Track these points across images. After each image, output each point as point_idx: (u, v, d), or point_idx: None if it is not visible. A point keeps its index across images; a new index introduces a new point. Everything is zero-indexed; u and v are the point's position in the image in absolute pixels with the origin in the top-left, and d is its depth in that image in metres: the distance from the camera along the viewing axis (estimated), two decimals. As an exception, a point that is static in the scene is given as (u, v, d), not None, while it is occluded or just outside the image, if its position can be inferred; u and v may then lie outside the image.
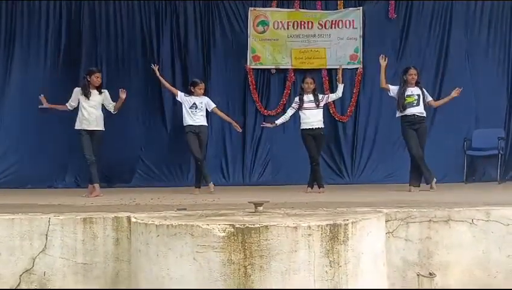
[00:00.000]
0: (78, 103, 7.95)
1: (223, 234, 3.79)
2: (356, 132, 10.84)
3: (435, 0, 10.77)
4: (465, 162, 9.95)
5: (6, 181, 9.86)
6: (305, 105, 8.41)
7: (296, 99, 8.62)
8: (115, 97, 8.15)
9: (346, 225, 3.97)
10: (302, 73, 10.29)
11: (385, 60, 8.45)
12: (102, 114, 7.97)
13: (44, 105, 8.10)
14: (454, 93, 8.40)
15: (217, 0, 10.74)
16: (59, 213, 4.86)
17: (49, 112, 8.79)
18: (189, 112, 8.46)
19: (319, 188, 8.29)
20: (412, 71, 8.26)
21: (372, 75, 8.77)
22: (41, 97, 8.10)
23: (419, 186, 8.11)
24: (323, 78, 10.74)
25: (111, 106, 8.06)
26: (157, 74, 8.88)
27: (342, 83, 8.88)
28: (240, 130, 9.48)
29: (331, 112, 10.63)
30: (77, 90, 7.98)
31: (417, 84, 8.27)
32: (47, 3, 10.42)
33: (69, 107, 8.02)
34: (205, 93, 8.74)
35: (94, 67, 8.93)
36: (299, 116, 8.50)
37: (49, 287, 4.66)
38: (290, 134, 10.27)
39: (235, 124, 8.94)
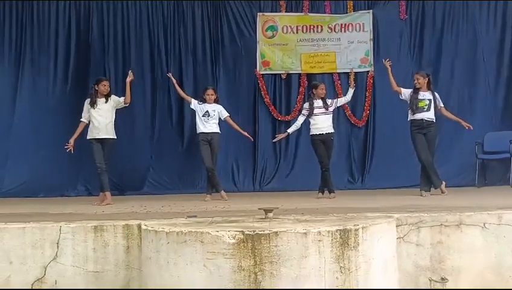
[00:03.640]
0: None
1: (233, 241, 3.79)
2: (368, 137, 10.80)
3: (446, 0, 10.72)
4: (476, 166, 9.87)
5: (19, 190, 9.88)
6: (315, 111, 8.42)
7: (306, 105, 8.61)
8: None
9: (356, 230, 3.94)
10: (313, 77, 10.29)
11: (389, 63, 8.51)
12: (112, 122, 7.98)
13: (71, 147, 8.11)
14: (465, 124, 8.40)
15: (226, 2, 10.76)
16: (70, 221, 4.88)
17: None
18: (202, 119, 8.47)
19: (330, 193, 8.29)
20: (415, 76, 8.28)
21: (386, 78, 8.74)
22: (70, 145, 8.08)
23: (429, 190, 8.08)
24: (335, 82, 10.71)
25: (122, 102, 8.07)
26: (174, 81, 8.96)
27: (353, 87, 8.89)
28: (252, 140, 9.55)
29: (347, 114, 10.61)
30: (87, 102, 8.03)
31: (429, 88, 8.23)
32: (56, 14, 10.49)
33: (85, 121, 8.03)
34: (217, 100, 8.74)
35: (102, 76, 8.98)
36: (309, 122, 8.49)
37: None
38: (301, 140, 10.29)
39: (247, 134, 8.95)
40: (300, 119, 8.63)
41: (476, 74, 10.60)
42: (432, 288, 4.78)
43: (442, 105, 8.38)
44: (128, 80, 8.11)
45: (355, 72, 10.54)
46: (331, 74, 10.80)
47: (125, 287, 4.67)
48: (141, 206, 7.03)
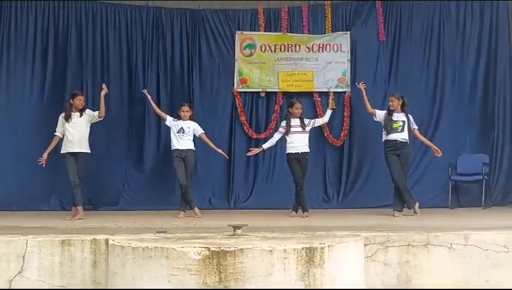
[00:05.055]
0: None
1: (198, 257, 3.79)
2: (344, 156, 10.84)
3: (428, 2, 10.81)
4: (450, 187, 9.94)
5: (-8, 204, 9.78)
6: (292, 129, 8.44)
7: (283, 123, 8.63)
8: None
9: (322, 248, 3.97)
10: (290, 96, 10.32)
11: (363, 86, 8.65)
12: (87, 136, 7.99)
13: (44, 162, 8.09)
14: (434, 149, 8.44)
15: (205, 20, 10.84)
16: (37, 235, 4.84)
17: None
18: (177, 136, 8.47)
19: (303, 212, 8.29)
20: (390, 98, 8.42)
21: (362, 99, 8.83)
22: (43, 159, 8.07)
23: (402, 210, 8.13)
24: (316, 101, 10.75)
25: (97, 115, 8.08)
26: (149, 98, 9.00)
27: (332, 108, 8.97)
28: (227, 158, 9.56)
29: (325, 134, 10.64)
30: (61, 116, 8.03)
31: (403, 110, 8.33)
32: (34, 27, 10.44)
33: (59, 135, 8.04)
34: (192, 117, 8.74)
35: (79, 90, 8.99)
36: (285, 140, 8.52)
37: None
38: (276, 158, 10.31)
39: (222, 152, 8.92)
40: (276, 136, 8.65)
41: (451, 95, 10.69)
42: (425, 288, 4.79)
43: (416, 127, 8.46)
44: (102, 93, 8.14)
45: (333, 92, 10.56)
46: (311, 92, 10.84)
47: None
48: (113, 221, 7.00)
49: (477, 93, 10.70)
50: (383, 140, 8.35)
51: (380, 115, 8.44)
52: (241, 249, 3.80)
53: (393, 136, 8.18)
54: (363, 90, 8.64)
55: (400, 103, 8.31)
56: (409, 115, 8.40)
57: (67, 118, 7.92)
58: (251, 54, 10.88)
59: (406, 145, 8.23)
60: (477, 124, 10.64)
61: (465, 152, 10.35)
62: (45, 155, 8.03)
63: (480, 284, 4.88)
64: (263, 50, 10.90)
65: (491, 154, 10.32)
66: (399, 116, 8.28)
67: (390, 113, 8.30)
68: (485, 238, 4.94)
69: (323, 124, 9.52)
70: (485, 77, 10.68)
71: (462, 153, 10.30)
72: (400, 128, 8.22)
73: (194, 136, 8.58)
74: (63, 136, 7.99)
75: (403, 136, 8.21)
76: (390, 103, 8.33)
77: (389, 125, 8.22)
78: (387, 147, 8.22)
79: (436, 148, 8.47)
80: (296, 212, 8.37)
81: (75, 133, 7.88)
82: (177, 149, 8.44)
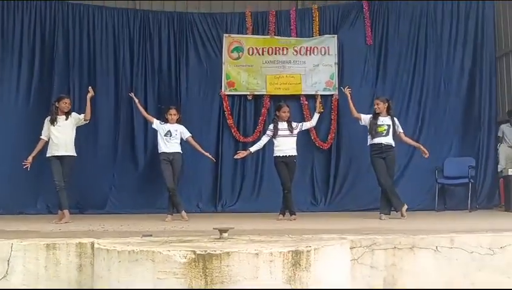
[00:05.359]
0: None
1: (184, 260, 3.77)
2: (331, 159, 10.86)
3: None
4: (436, 191, 9.99)
5: (-22, 207, 9.71)
6: (279, 133, 8.45)
7: (271, 127, 8.64)
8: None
9: (308, 251, 3.96)
10: (277, 99, 10.33)
11: (348, 90, 8.65)
12: (72, 139, 7.95)
13: (29, 165, 8.04)
14: (423, 150, 8.46)
15: (192, 22, 10.85)
16: (22, 239, 4.80)
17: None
18: (164, 139, 8.45)
19: (291, 215, 8.29)
20: (375, 101, 8.44)
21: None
22: (28, 162, 8.02)
23: (389, 214, 8.14)
24: (303, 104, 10.76)
25: (82, 118, 8.05)
26: (136, 101, 8.96)
27: (319, 112, 8.99)
28: (214, 161, 9.54)
29: (312, 138, 10.65)
30: (47, 119, 7.99)
31: (389, 113, 8.35)
32: (20, 30, 10.38)
33: (45, 138, 8.00)
34: (179, 120, 8.73)
35: (65, 93, 8.96)
36: (273, 143, 8.52)
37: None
38: (264, 161, 10.31)
39: (209, 155, 8.92)
40: (264, 139, 8.64)
41: (437, 97, 10.75)
42: (411, 289, 4.79)
43: (402, 130, 8.47)
44: (88, 96, 8.10)
45: (320, 96, 10.58)
46: (298, 96, 10.85)
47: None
48: (100, 225, 6.96)
49: (462, 95, 10.78)
50: (368, 144, 8.36)
51: (365, 119, 8.45)
52: (227, 253, 3.78)
53: (378, 140, 8.19)
54: (349, 95, 8.65)
55: (386, 106, 8.32)
56: (395, 118, 8.42)
57: (53, 122, 7.88)
58: (239, 57, 10.89)
59: (391, 148, 8.24)
60: (463, 126, 10.71)
61: (452, 155, 10.43)
62: (30, 158, 7.98)
63: (466, 286, 4.89)
64: (251, 53, 10.91)
65: (477, 157, 10.39)
66: (384, 120, 8.28)
67: (375, 116, 8.31)
68: (471, 241, 4.95)
69: (310, 128, 9.53)
70: (470, 78, 10.77)
71: (449, 156, 10.38)
72: (385, 132, 8.23)
73: (181, 139, 8.57)
74: (49, 139, 7.95)
75: (387, 140, 8.21)
76: (376, 106, 8.35)
77: (373, 129, 8.24)
78: (373, 150, 8.24)
79: (423, 149, 8.49)
80: (284, 216, 8.37)
81: (61, 136, 7.85)
82: (164, 152, 8.42)
